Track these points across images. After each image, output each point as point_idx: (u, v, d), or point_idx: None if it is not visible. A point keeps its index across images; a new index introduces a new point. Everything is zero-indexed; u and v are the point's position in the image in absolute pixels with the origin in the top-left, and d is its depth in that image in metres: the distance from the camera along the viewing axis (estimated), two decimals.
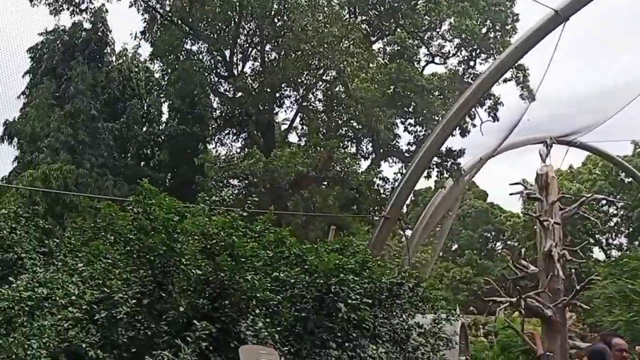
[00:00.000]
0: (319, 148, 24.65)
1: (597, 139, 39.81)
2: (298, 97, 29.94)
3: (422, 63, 32.81)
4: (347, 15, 30.60)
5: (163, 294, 7.93)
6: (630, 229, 51.05)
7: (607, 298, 21.06)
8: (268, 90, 28.46)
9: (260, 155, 25.20)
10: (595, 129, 36.22)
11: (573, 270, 22.41)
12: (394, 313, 10.04)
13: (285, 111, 32.44)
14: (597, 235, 50.66)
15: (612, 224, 52.46)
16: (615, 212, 52.17)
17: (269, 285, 8.29)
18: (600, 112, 35.58)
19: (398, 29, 30.21)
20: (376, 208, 30.16)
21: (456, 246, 64.18)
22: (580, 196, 23.69)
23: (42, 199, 20.56)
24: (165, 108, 30.63)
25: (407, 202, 61.00)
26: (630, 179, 47.79)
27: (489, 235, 63.73)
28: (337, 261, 8.72)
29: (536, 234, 21.02)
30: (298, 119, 31.56)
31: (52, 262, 9.22)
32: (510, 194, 20.82)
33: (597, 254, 51.59)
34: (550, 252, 19.42)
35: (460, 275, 59.02)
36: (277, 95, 29.77)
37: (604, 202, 49.86)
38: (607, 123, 34.07)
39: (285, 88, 29.71)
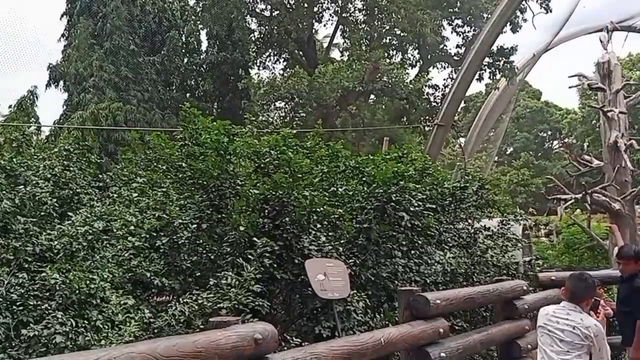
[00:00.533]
0: (363, 61, 23.71)
1: None
2: (337, 8, 28.73)
3: None
4: None
5: (222, 216, 7.82)
6: None
7: None
8: (305, 4, 27.39)
9: (303, 74, 24.59)
10: None
11: None
12: (459, 218, 9.67)
13: (325, 26, 31.42)
14: None
15: None
16: None
17: (327, 199, 8.05)
18: None
19: None
20: (427, 118, 29.39)
21: (511, 149, 62.67)
22: None
23: (94, 139, 20.81)
24: (203, 36, 30.10)
25: (459, 109, 59.62)
26: None
27: (545, 135, 61.76)
28: (396, 169, 8.34)
29: (599, 126, 19.95)
30: (339, 32, 30.45)
31: (107, 195, 9.23)
32: (570, 87, 19.68)
33: None
34: (616, 144, 18.42)
35: (517, 178, 57.93)
36: (315, 9, 28.68)
37: None
38: None
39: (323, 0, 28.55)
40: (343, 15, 28.48)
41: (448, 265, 8.39)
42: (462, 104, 59.05)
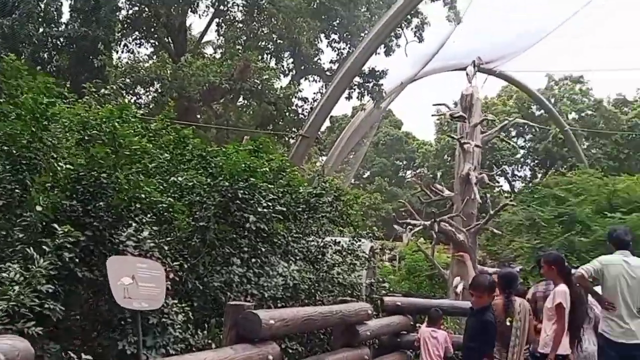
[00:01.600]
0: (235, 59, 22.48)
1: (516, 69, 39.96)
2: (215, 0, 27.28)
3: None
4: None
5: (24, 194, 6.26)
6: (536, 161, 52.98)
7: (517, 225, 21.06)
8: None
9: (168, 59, 22.82)
10: (513, 59, 36.23)
11: (488, 196, 22.28)
12: (310, 228, 8.79)
13: (200, 16, 29.65)
14: (504, 166, 52.17)
15: (519, 155, 54.11)
16: (523, 144, 53.73)
17: (162, 187, 6.78)
18: (522, 42, 35.32)
19: None
20: (293, 129, 28.80)
21: (368, 173, 64.57)
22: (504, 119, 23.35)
23: None
24: (66, 8, 27.09)
25: (323, 128, 60.27)
26: (541, 112, 49.04)
27: (400, 163, 64.44)
28: (248, 162, 7.27)
29: (449, 161, 20.51)
30: (214, 26, 28.97)
31: None
32: (433, 115, 20.02)
33: (504, 184, 53.34)
34: (468, 176, 18.98)
35: (369, 201, 59.59)
36: None
37: (513, 134, 51.25)
38: (524, 56, 33.99)
39: None
40: (221, 7, 27.06)
41: (291, 279, 7.45)
42: (328, 123, 59.97)
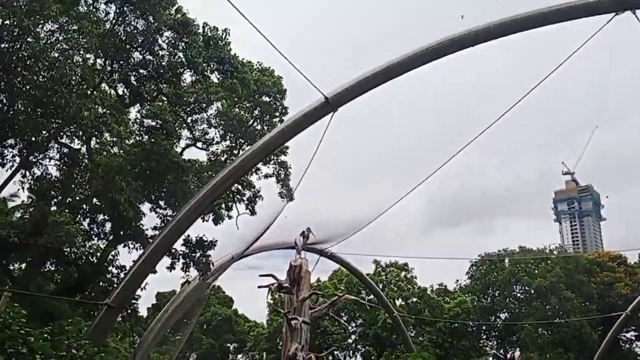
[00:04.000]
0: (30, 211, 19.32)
1: (347, 251, 40.25)
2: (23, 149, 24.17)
3: (183, 145, 29.78)
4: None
5: None
6: (366, 347, 52.08)
7: None
8: None
9: None
10: (345, 242, 36.48)
11: None
12: None
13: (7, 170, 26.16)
14: (336, 352, 50.58)
15: (351, 341, 53.11)
16: (354, 329, 53.06)
17: None
18: (353, 224, 35.92)
19: (160, 97, 26.81)
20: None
21: (195, 355, 59.24)
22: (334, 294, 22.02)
23: None
24: None
25: (149, 304, 55.24)
26: (371, 297, 49.37)
27: (229, 345, 60.18)
28: None
29: (283, 334, 18.41)
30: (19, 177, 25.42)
31: None
32: (259, 287, 18.04)
33: None
34: (295, 356, 16.78)
35: None
36: None
37: (344, 318, 50.59)
38: (357, 240, 34.37)
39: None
40: (30, 158, 23.96)
41: None
42: (154, 300, 55.20)
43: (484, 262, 55.57)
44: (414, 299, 53.55)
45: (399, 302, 52.84)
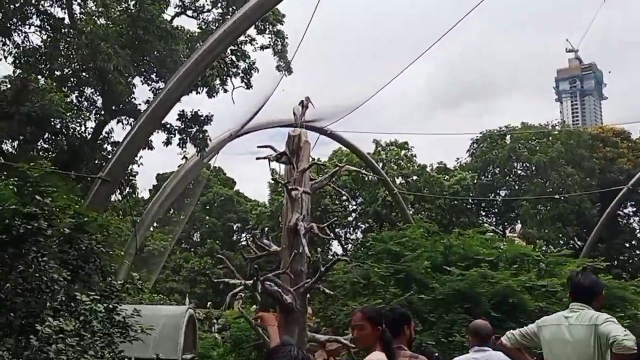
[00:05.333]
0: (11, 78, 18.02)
1: (345, 129, 39.39)
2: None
3: (172, 13, 27.79)
4: None
5: None
6: (367, 225, 52.62)
7: (352, 283, 18.71)
8: None
9: None
10: (345, 122, 35.55)
11: (319, 250, 19.77)
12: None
13: None
14: (337, 230, 51.08)
15: (351, 218, 53.61)
16: (354, 207, 53.34)
17: None
18: (353, 102, 34.72)
19: None
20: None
21: (198, 234, 60.30)
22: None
23: None
24: None
25: (150, 186, 55.22)
26: (371, 176, 49.05)
27: (232, 224, 61.00)
28: None
29: (283, 206, 17.84)
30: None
31: None
32: (257, 159, 17.14)
33: (337, 248, 52.13)
34: (296, 226, 16.23)
35: (199, 265, 55.14)
36: None
37: (344, 197, 50.54)
38: (357, 121, 33.35)
39: None
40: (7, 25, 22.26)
41: None
42: (154, 181, 55.10)
43: (485, 139, 54.74)
44: (414, 177, 53.38)
45: (398, 180, 52.67)
